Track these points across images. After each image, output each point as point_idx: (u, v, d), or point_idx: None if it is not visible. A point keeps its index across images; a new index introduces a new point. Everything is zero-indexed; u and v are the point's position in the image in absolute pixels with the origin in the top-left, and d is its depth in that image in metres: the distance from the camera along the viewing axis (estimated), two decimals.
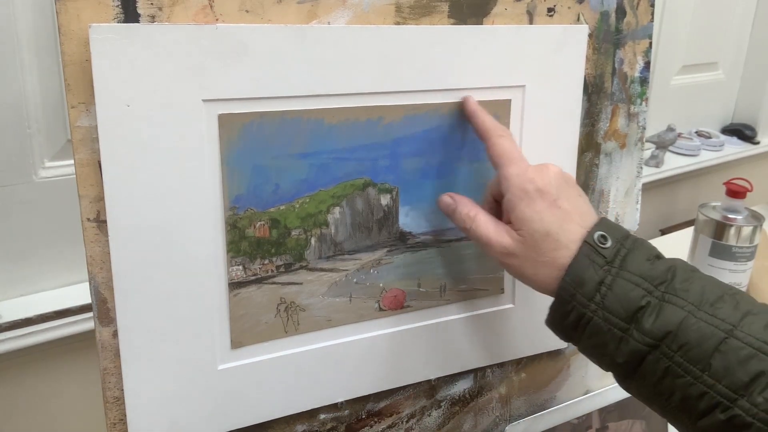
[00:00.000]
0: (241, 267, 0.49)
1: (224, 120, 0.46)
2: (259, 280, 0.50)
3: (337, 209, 0.52)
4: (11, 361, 0.88)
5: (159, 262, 0.47)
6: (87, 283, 0.46)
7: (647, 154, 1.60)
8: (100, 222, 0.45)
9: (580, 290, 0.45)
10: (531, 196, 0.47)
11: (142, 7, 0.43)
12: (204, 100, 0.45)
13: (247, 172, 0.48)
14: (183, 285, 0.48)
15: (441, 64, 0.52)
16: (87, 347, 0.92)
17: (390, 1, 0.51)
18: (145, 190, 0.45)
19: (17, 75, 0.82)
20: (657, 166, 1.59)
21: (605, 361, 0.46)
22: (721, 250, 1.07)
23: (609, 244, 0.45)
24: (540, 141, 0.58)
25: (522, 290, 0.61)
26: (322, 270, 0.53)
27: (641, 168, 0.67)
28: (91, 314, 0.48)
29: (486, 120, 0.52)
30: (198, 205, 0.47)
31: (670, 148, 1.64)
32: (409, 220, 0.55)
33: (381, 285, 0.55)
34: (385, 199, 0.54)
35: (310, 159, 0.50)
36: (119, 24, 0.43)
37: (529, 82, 0.56)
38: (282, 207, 0.50)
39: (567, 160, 0.61)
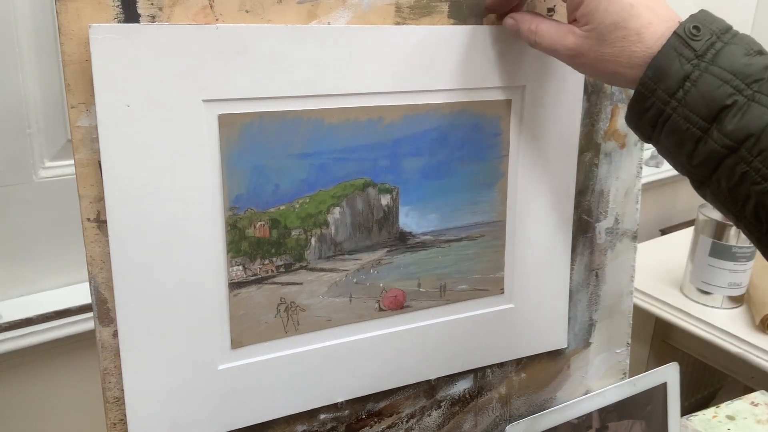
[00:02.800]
0: (241, 267, 0.49)
1: (224, 120, 0.46)
2: (259, 280, 0.50)
3: (337, 209, 0.52)
4: (11, 361, 0.88)
5: (159, 262, 0.47)
6: (87, 283, 0.46)
7: (647, 154, 1.60)
8: (100, 222, 0.45)
9: (662, 85, 0.41)
10: None
11: (142, 7, 0.43)
12: (204, 100, 0.45)
13: (247, 172, 0.48)
14: (183, 285, 0.48)
15: (441, 64, 0.52)
16: (87, 347, 0.92)
17: (390, 1, 0.51)
18: (145, 190, 0.45)
19: (17, 75, 0.82)
20: (657, 166, 1.59)
21: (680, 163, 0.44)
22: (721, 250, 1.07)
23: (702, 35, 0.41)
24: (540, 141, 0.58)
25: (522, 291, 0.61)
26: (322, 270, 0.53)
27: (641, 168, 0.67)
28: (91, 314, 0.48)
29: None
30: (198, 205, 0.47)
31: None
32: (409, 220, 0.55)
33: (381, 285, 0.55)
34: (385, 199, 0.54)
35: (310, 159, 0.50)
36: (119, 24, 0.43)
37: (530, 82, 0.56)
38: (282, 207, 0.50)
39: (567, 161, 0.61)
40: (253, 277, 0.50)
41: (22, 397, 0.91)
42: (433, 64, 0.52)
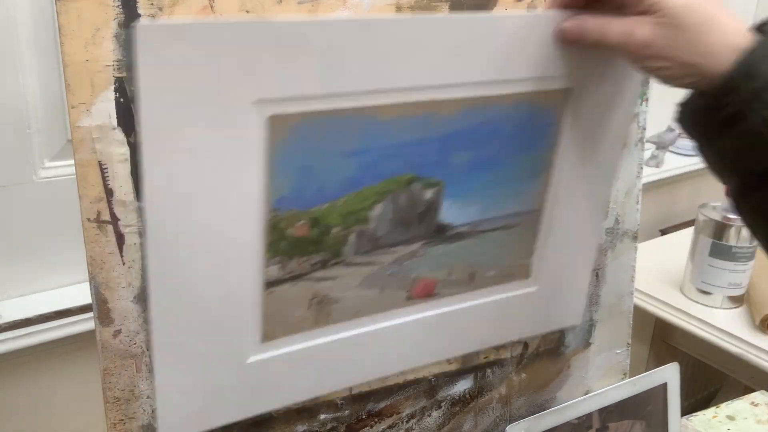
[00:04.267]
0: (278, 266, 0.48)
1: (275, 121, 0.44)
2: (295, 277, 0.49)
3: (379, 205, 0.50)
4: (11, 361, 0.88)
5: (196, 262, 0.45)
6: (87, 283, 0.46)
7: (647, 154, 1.60)
8: (101, 222, 0.45)
9: (750, 84, 0.40)
10: None
11: (142, 7, 0.43)
12: (254, 101, 0.42)
13: (293, 172, 0.46)
14: (219, 285, 0.46)
15: (503, 54, 0.49)
16: (87, 347, 0.92)
17: (390, 0, 0.50)
18: (187, 192, 0.43)
19: (17, 75, 0.82)
20: (657, 166, 1.59)
21: (739, 167, 0.43)
22: (721, 251, 1.07)
23: None
24: (591, 132, 0.56)
25: (547, 275, 0.61)
26: (357, 264, 0.51)
27: (641, 168, 0.67)
28: (91, 314, 0.48)
29: None
30: (240, 208, 0.45)
31: (670, 148, 1.64)
32: (450, 212, 0.53)
33: (412, 276, 0.54)
34: (428, 194, 0.52)
35: (358, 157, 0.47)
36: (169, 22, 0.41)
37: (590, 70, 0.53)
38: (325, 205, 0.48)
39: (613, 151, 0.59)
40: (289, 275, 0.49)
41: (22, 397, 0.91)
42: (494, 54, 0.48)
